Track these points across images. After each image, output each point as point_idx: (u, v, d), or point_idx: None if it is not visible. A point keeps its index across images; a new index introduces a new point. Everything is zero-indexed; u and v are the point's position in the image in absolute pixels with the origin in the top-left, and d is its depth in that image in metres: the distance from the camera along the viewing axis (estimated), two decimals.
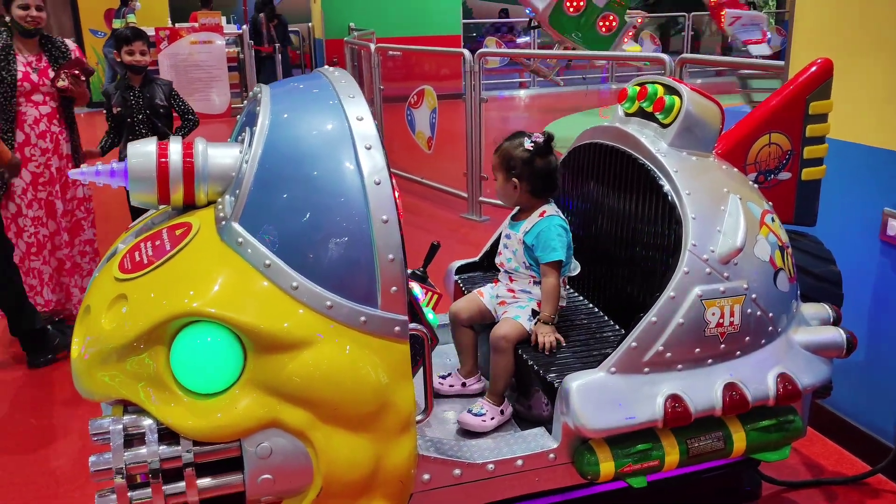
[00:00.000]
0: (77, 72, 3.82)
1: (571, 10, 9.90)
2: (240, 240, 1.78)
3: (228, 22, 12.69)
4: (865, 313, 2.82)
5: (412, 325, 1.85)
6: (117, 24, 12.06)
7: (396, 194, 1.83)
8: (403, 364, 1.83)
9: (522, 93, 14.74)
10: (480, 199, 6.15)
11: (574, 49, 10.59)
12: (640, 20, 11.59)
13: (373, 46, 7.39)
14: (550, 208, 2.41)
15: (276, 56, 11.99)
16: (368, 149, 1.82)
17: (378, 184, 1.79)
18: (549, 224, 2.36)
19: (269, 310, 1.73)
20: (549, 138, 2.37)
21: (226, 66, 11.64)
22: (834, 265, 2.51)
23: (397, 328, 1.80)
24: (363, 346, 1.78)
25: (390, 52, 9.15)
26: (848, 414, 2.94)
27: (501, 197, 2.45)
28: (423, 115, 6.54)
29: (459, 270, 2.85)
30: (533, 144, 2.34)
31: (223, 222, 1.83)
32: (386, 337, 1.80)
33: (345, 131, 1.84)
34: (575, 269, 2.44)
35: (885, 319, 2.77)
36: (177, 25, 11.94)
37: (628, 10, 10.51)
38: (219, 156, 1.95)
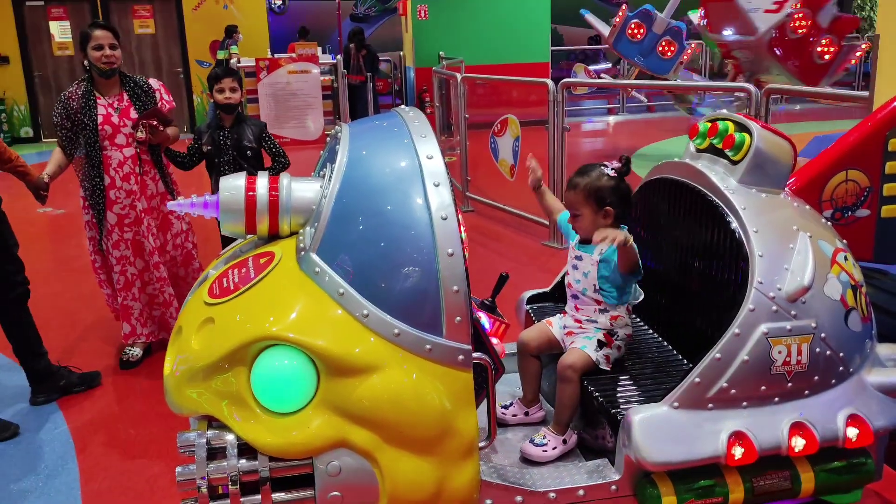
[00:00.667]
0: (154, 122, 3.82)
1: (634, 36, 9.90)
2: (317, 269, 1.91)
3: (324, 52, 13.19)
4: None
5: (476, 354, 1.93)
6: (221, 54, 12.75)
7: (462, 229, 1.93)
8: (466, 391, 1.91)
9: (611, 119, 14.66)
10: None
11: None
12: (692, 47, 11.25)
13: (459, 76, 7.55)
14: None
15: (367, 85, 12.37)
16: (437, 186, 1.92)
17: (445, 219, 1.89)
18: None
19: (341, 336, 1.84)
20: (627, 161, 2.41)
21: (321, 95, 12.10)
22: None
23: (461, 357, 1.89)
24: (428, 373, 1.87)
25: (477, 82, 9.33)
26: None
27: (588, 230, 2.44)
28: (507, 143, 6.63)
29: (531, 300, 2.91)
30: (615, 171, 2.38)
31: (302, 253, 1.97)
32: (450, 365, 1.89)
33: (415, 169, 1.96)
34: (638, 296, 2.46)
35: None
36: (276, 56, 12.51)
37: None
38: (301, 190, 2.10)
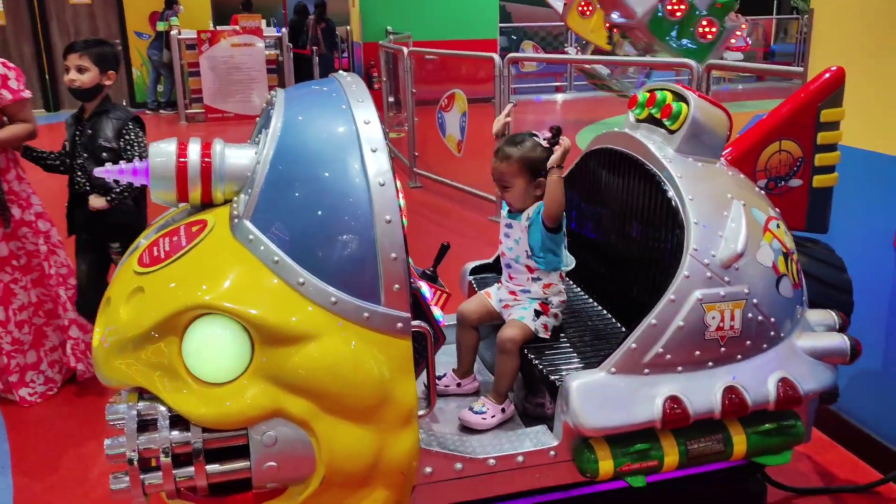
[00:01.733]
0: None
1: (673, 14, 9.56)
2: (251, 237, 1.87)
3: (268, 25, 12.92)
4: (880, 321, 2.80)
5: (415, 323, 1.92)
6: (161, 26, 12.37)
7: (401, 196, 1.90)
8: (405, 359, 1.90)
9: (559, 97, 14.74)
10: None
11: (610, 53, 10.59)
12: (744, 25, 11.31)
13: (406, 50, 7.47)
14: None
15: (313, 59, 12.18)
16: (374, 151, 1.89)
17: (382, 185, 1.86)
18: None
19: (276, 304, 1.81)
20: (558, 131, 2.38)
21: (265, 68, 11.87)
22: (845, 273, 2.52)
23: (399, 325, 1.87)
24: (366, 341, 1.85)
25: (427, 56, 9.26)
26: (861, 422, 2.93)
27: (521, 201, 2.42)
28: (454, 118, 6.61)
29: (474, 271, 2.91)
30: (548, 141, 2.36)
31: (236, 220, 1.92)
32: (388, 333, 1.87)
33: (352, 134, 1.92)
34: (570, 263, 2.47)
35: None
36: (218, 28, 12.20)
37: (729, 15, 10.22)
38: (235, 156, 2.04)
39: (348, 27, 14.66)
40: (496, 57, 6.11)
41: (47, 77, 13.58)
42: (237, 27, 11.80)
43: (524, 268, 2.43)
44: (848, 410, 2.95)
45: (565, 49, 14.03)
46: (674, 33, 9.72)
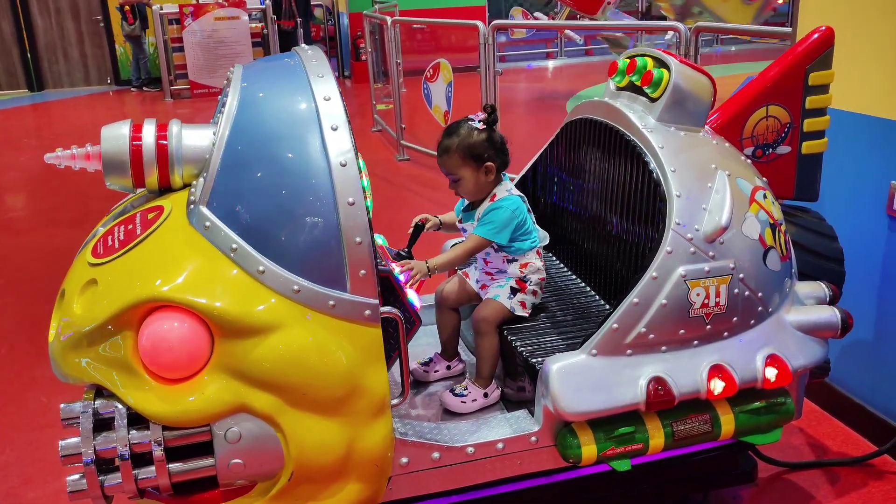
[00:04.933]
0: None
1: None
2: (207, 224, 1.77)
3: None
4: (873, 290, 2.72)
5: (384, 309, 1.83)
6: None
7: (364, 176, 1.80)
8: (375, 347, 1.81)
9: (550, 64, 14.54)
10: None
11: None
12: None
13: (389, 20, 7.31)
14: (500, 190, 2.33)
15: (297, 31, 11.98)
16: (335, 129, 1.79)
17: (344, 165, 1.76)
18: (499, 205, 2.29)
19: (235, 295, 1.71)
20: (492, 109, 2.30)
21: (250, 42, 11.68)
22: (836, 242, 2.42)
23: (367, 312, 1.78)
24: (332, 331, 1.76)
25: (414, 26, 9.09)
26: (855, 393, 2.86)
27: (473, 192, 2.34)
28: (440, 88, 6.47)
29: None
30: (482, 123, 2.27)
31: (192, 206, 1.82)
32: (356, 321, 1.78)
33: (312, 112, 1.81)
34: (544, 238, 2.40)
35: (893, 297, 2.67)
36: (201, 1, 11.96)
37: None
38: (193, 137, 1.93)
39: None
40: (480, 24, 5.97)
41: (29, 56, 13.36)
42: (220, 0, 11.58)
43: (498, 256, 2.35)
44: (841, 382, 2.88)
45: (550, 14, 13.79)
46: None
